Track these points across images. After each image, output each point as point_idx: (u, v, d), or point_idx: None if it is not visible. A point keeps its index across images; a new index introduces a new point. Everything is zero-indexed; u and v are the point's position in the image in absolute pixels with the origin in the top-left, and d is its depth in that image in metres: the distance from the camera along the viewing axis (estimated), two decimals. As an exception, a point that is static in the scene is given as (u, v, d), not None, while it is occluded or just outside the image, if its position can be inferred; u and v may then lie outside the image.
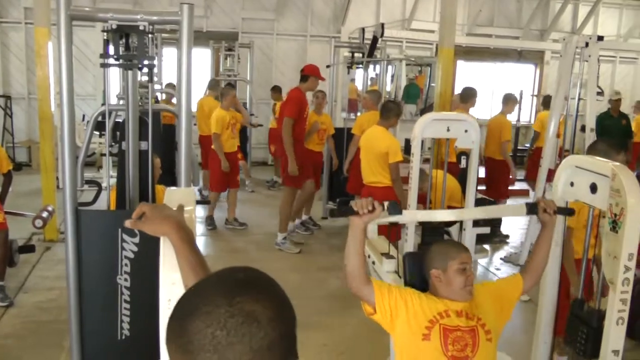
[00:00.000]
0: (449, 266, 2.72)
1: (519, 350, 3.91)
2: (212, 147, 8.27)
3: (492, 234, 5.60)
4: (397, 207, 2.55)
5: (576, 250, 3.87)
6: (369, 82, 9.76)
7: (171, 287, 1.79)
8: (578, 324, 3.17)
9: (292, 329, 1.19)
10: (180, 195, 2.09)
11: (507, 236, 7.98)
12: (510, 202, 8.85)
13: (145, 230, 1.81)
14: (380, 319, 2.75)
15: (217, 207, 8.62)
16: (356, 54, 9.83)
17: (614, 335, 2.80)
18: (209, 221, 8.41)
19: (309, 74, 7.55)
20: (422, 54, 14.28)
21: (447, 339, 2.65)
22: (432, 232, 4.16)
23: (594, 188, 2.89)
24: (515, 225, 8.66)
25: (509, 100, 8.70)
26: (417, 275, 2.87)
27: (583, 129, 7.22)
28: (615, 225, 2.71)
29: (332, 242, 7.89)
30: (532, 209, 2.81)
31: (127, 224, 1.79)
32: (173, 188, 2.13)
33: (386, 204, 2.50)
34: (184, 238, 1.76)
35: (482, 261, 7.18)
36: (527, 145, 14.62)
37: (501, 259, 7.60)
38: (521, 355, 3.63)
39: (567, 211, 2.99)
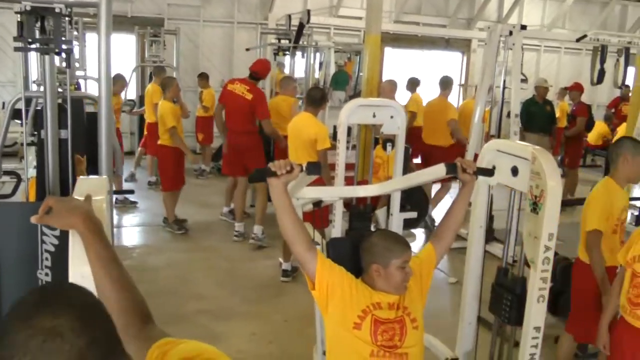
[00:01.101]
0: (391, 264, 2.70)
1: (447, 331, 3.96)
2: (160, 142, 7.65)
3: (419, 218, 5.69)
4: (316, 167, 2.54)
5: (606, 257, 3.85)
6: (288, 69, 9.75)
7: (81, 280, 1.72)
8: (502, 291, 3.25)
9: (104, 330, 1.16)
10: (91, 185, 2.01)
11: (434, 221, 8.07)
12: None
13: (52, 224, 1.75)
14: (317, 296, 2.73)
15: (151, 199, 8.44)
16: (283, 41, 9.78)
17: (535, 313, 2.87)
18: (178, 225, 7.74)
19: (264, 74, 7.62)
20: (350, 40, 14.30)
21: (377, 330, 2.67)
22: (359, 218, 4.18)
23: (515, 171, 2.95)
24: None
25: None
26: (341, 262, 2.85)
27: (509, 114, 7.38)
28: (535, 207, 2.78)
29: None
30: (451, 169, 2.79)
31: (33, 219, 1.71)
32: (84, 177, 2.05)
33: (304, 164, 2.48)
34: (92, 229, 1.69)
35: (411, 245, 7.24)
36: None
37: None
38: (449, 336, 3.68)
39: (487, 172, 3.00)
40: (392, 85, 8.34)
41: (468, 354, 3.49)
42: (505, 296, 3.23)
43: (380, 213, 4.92)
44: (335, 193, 3.90)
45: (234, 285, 6.10)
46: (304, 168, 2.47)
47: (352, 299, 2.69)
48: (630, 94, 12.55)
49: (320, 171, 2.60)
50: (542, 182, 2.73)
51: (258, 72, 7.56)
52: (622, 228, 3.94)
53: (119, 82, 9.15)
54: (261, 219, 7.25)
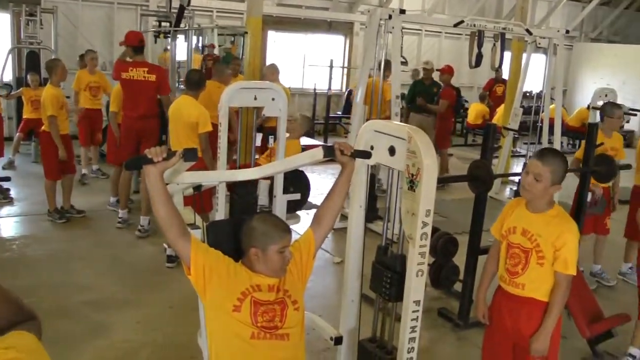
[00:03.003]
0: (269, 248, 2.70)
1: (333, 310, 4.02)
2: (43, 128, 7.34)
3: (303, 200, 5.74)
4: (193, 153, 2.52)
5: None
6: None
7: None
8: (382, 269, 3.33)
9: None
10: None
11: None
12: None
13: None
14: (193, 281, 2.70)
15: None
16: (164, 24, 9.56)
17: (414, 287, 2.96)
18: (58, 214, 7.47)
19: (136, 38, 7.26)
20: (233, 23, 14.16)
21: (257, 311, 2.67)
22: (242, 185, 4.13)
23: (392, 151, 3.01)
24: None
25: None
26: (221, 245, 2.83)
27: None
28: (412, 185, 2.85)
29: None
30: (328, 152, 2.81)
31: None
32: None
33: (181, 151, 2.46)
34: None
35: (295, 227, 7.31)
36: (339, 113, 15.24)
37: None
38: (335, 315, 3.73)
39: (364, 154, 3.04)
40: (274, 69, 8.35)
41: (352, 331, 3.55)
42: (385, 274, 3.31)
43: (262, 196, 4.91)
44: (215, 177, 3.85)
45: (118, 274, 5.96)
46: (181, 154, 2.44)
47: (230, 282, 2.69)
48: (503, 76, 13.26)
49: (197, 157, 2.58)
50: (418, 160, 2.80)
51: (127, 40, 7.25)
52: None
53: None
54: (147, 209, 7.06)
